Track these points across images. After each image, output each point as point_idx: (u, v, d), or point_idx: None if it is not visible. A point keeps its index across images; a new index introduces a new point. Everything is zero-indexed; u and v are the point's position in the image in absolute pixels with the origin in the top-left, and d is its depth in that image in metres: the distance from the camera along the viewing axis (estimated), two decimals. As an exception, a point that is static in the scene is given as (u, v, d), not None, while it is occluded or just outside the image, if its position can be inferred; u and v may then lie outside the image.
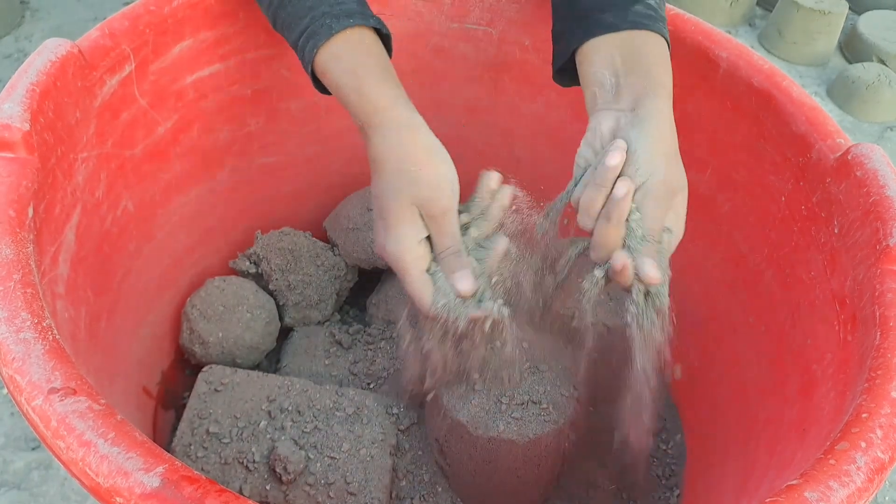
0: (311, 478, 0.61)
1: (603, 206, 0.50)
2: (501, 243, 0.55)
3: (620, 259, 0.50)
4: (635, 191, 0.50)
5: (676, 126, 0.59)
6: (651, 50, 0.55)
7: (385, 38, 0.58)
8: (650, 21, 0.55)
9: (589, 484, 0.73)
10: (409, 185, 0.52)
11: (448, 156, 0.54)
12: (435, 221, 0.52)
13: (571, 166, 0.64)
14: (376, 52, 0.56)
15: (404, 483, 0.67)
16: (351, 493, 0.61)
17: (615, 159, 0.49)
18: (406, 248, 0.52)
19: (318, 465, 0.62)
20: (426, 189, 0.52)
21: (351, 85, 0.54)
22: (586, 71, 0.56)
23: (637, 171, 0.50)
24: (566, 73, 0.60)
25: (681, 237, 0.52)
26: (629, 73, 0.53)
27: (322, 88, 0.58)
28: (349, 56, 0.55)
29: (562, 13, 0.60)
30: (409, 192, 0.52)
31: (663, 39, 0.56)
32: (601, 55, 0.55)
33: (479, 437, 0.61)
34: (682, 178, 0.52)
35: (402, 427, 0.68)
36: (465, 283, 0.52)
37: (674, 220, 0.52)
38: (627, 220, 0.50)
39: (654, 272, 0.49)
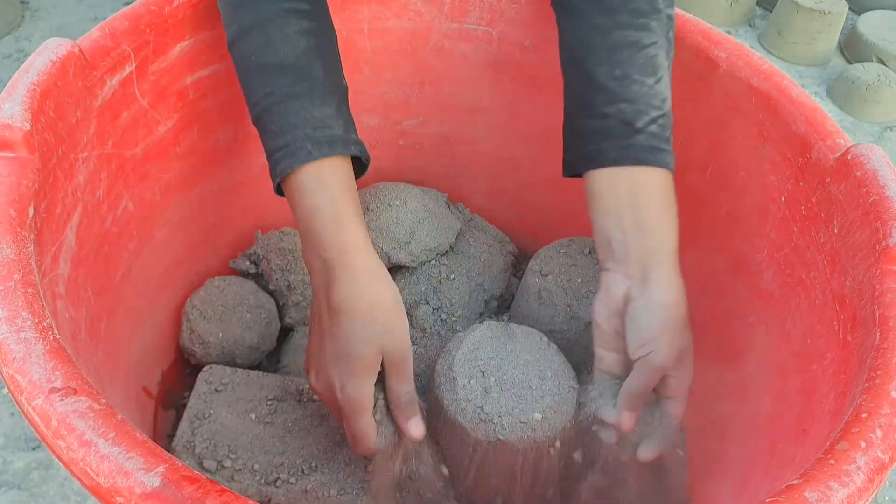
0: (311, 477, 0.61)
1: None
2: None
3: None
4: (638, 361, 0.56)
5: (676, 127, 0.59)
6: (655, 200, 0.56)
7: (363, 164, 0.59)
8: (652, 154, 0.56)
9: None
10: (380, 335, 0.53)
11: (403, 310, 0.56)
12: (396, 369, 0.55)
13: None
14: (352, 187, 0.56)
15: (405, 478, 0.67)
16: (349, 494, 0.61)
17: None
18: (368, 394, 0.54)
19: (319, 464, 0.62)
20: (397, 340, 0.54)
21: (329, 216, 0.54)
22: (594, 210, 0.59)
23: (641, 347, 0.55)
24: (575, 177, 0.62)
25: (691, 380, 0.59)
26: (636, 232, 0.56)
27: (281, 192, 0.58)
28: (328, 184, 0.54)
29: (569, 125, 0.62)
30: (379, 342, 0.53)
31: (667, 172, 0.57)
32: (605, 197, 0.57)
33: (479, 439, 0.61)
34: (687, 340, 0.57)
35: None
36: (418, 429, 0.57)
37: (685, 371, 0.58)
38: None
39: (627, 420, 0.58)
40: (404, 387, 0.55)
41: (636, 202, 0.56)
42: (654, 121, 0.57)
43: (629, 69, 0.57)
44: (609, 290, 0.58)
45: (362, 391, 0.53)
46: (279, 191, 0.58)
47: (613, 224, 0.57)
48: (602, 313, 0.59)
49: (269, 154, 0.56)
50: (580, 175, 0.60)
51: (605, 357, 0.60)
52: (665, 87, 0.58)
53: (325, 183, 0.54)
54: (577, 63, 0.60)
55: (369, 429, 0.55)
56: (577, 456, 0.62)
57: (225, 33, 0.59)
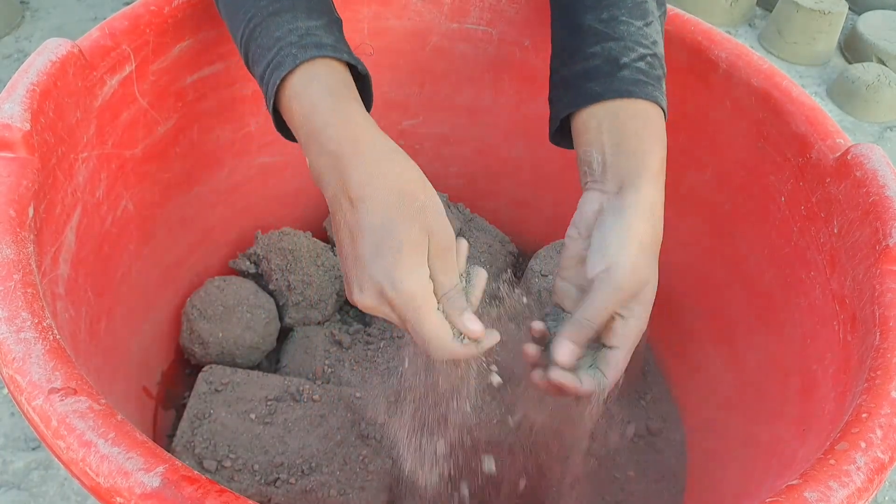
0: (311, 477, 0.61)
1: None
2: (482, 276, 0.52)
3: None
4: (595, 279, 0.50)
5: (676, 127, 0.59)
6: (639, 123, 0.53)
7: (364, 79, 0.53)
8: (638, 87, 0.53)
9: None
10: (418, 212, 0.46)
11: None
12: (440, 257, 0.47)
13: (571, 167, 0.65)
14: (350, 85, 0.51)
15: (405, 478, 0.67)
16: (349, 494, 0.61)
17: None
18: (425, 281, 0.46)
19: (319, 464, 0.62)
20: (435, 218, 0.47)
21: (328, 108, 0.48)
22: (577, 146, 0.55)
23: (601, 260, 0.50)
24: (564, 138, 0.59)
25: (643, 328, 0.52)
26: (616, 152, 0.52)
27: (284, 131, 0.53)
28: (324, 80, 0.49)
29: (553, 79, 0.59)
30: (420, 220, 0.46)
31: (655, 105, 0.54)
32: (589, 129, 0.54)
33: (479, 439, 0.61)
34: (651, 271, 0.51)
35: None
36: (475, 323, 0.48)
37: (639, 312, 0.51)
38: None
39: (563, 355, 0.50)
40: (451, 276, 0.48)
41: (618, 127, 0.52)
42: (641, 58, 0.54)
43: (616, 11, 0.55)
44: (581, 207, 0.53)
45: (418, 279, 0.46)
46: (278, 122, 0.53)
47: (594, 148, 0.53)
48: (571, 235, 0.54)
49: (259, 79, 0.52)
50: (567, 124, 0.56)
51: (562, 288, 0.54)
52: (655, 32, 0.56)
53: (319, 78, 0.49)
54: (565, 10, 0.58)
55: (441, 324, 0.47)
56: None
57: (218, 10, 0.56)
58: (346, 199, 0.47)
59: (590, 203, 0.53)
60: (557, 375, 0.51)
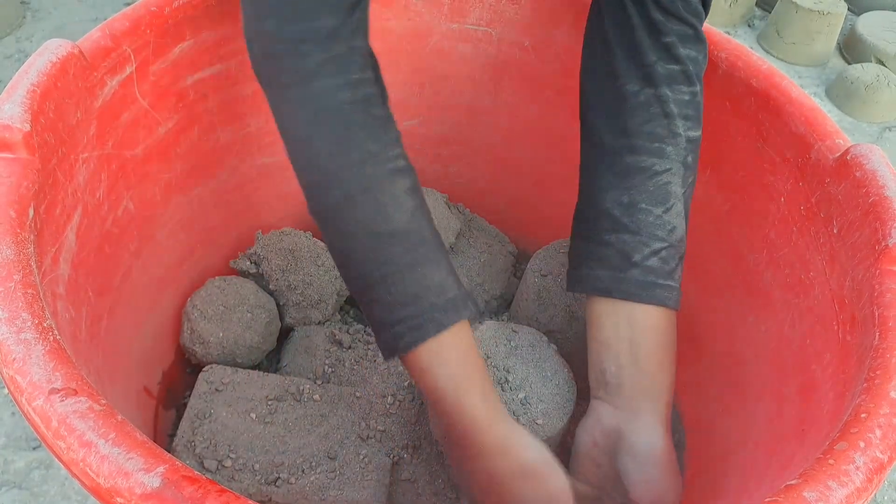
0: (311, 477, 0.61)
1: None
2: None
3: None
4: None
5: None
6: (653, 338, 0.55)
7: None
8: (646, 290, 0.55)
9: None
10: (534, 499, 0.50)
11: (559, 466, 0.52)
12: None
13: (571, 167, 0.65)
14: (474, 354, 0.54)
15: (406, 475, 0.67)
16: (349, 493, 0.61)
17: None
18: None
19: (319, 464, 0.62)
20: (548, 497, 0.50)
21: (451, 395, 0.51)
22: (590, 339, 0.58)
23: (648, 492, 0.53)
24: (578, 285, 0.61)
25: None
26: (631, 368, 0.55)
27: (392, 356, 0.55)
28: (453, 359, 0.52)
29: (574, 232, 0.61)
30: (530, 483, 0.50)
31: (663, 309, 0.55)
32: (603, 329, 0.56)
33: (479, 437, 0.61)
34: (675, 482, 0.54)
35: (401, 421, 0.69)
36: None
37: None
38: None
39: None
40: None
41: (633, 339, 0.55)
42: (655, 253, 0.55)
43: (637, 196, 0.55)
44: (600, 419, 0.57)
45: None
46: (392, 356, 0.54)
47: (609, 356, 0.56)
48: (585, 441, 0.57)
49: (387, 325, 0.52)
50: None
51: (580, 490, 0.55)
52: (675, 217, 0.56)
53: (454, 354, 0.52)
54: (588, 180, 0.59)
55: None
56: None
57: (305, 187, 0.54)
58: (478, 482, 0.52)
59: (606, 417, 0.56)
60: None
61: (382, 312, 0.52)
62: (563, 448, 0.68)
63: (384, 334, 0.52)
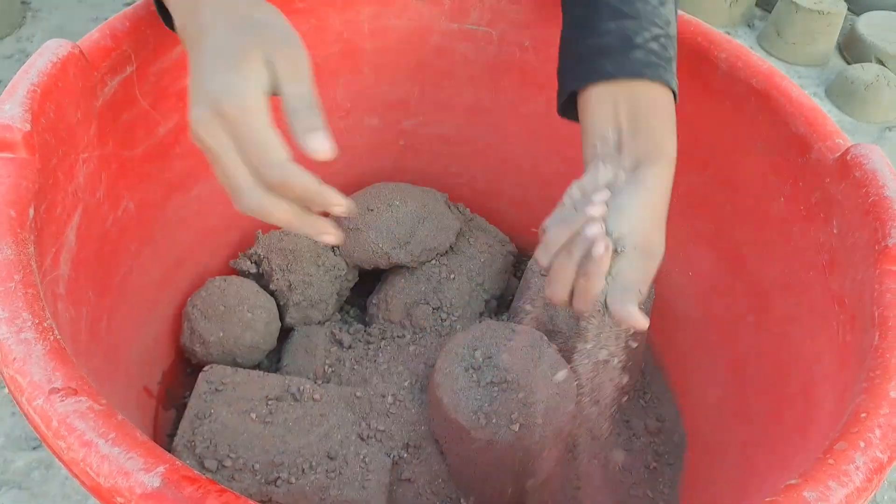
0: (312, 477, 0.61)
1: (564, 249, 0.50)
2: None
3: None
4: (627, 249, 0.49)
5: (677, 127, 0.59)
6: (653, 105, 0.53)
7: None
8: (651, 69, 0.53)
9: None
10: (257, 26, 0.43)
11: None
12: (285, 62, 0.42)
13: (570, 167, 0.65)
14: None
15: (406, 475, 0.67)
16: (349, 493, 0.61)
17: (597, 211, 0.49)
18: (262, 91, 0.42)
19: (319, 463, 0.62)
20: (276, 28, 0.44)
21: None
22: (587, 121, 0.55)
23: (618, 227, 0.49)
24: (570, 110, 0.59)
25: (643, 298, 0.52)
26: (632, 132, 0.53)
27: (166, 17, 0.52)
28: None
29: (564, 52, 0.59)
30: (252, 32, 0.43)
31: (667, 89, 0.54)
32: (602, 106, 0.54)
33: (479, 440, 0.61)
34: (661, 246, 0.51)
35: (401, 421, 0.69)
36: (320, 142, 0.41)
37: (642, 283, 0.50)
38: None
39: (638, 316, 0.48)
40: (299, 86, 0.43)
41: (636, 111, 0.53)
42: (655, 38, 0.54)
43: None
44: (594, 175, 0.52)
45: (255, 84, 0.42)
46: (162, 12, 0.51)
47: (608, 128, 0.53)
48: (574, 195, 0.53)
49: None
50: (574, 98, 0.56)
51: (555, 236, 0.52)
52: (669, 12, 0.56)
53: None
54: None
55: (275, 141, 0.41)
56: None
57: None
58: (195, 35, 0.45)
59: (605, 172, 0.52)
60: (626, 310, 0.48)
61: None
62: (564, 448, 0.68)
63: None
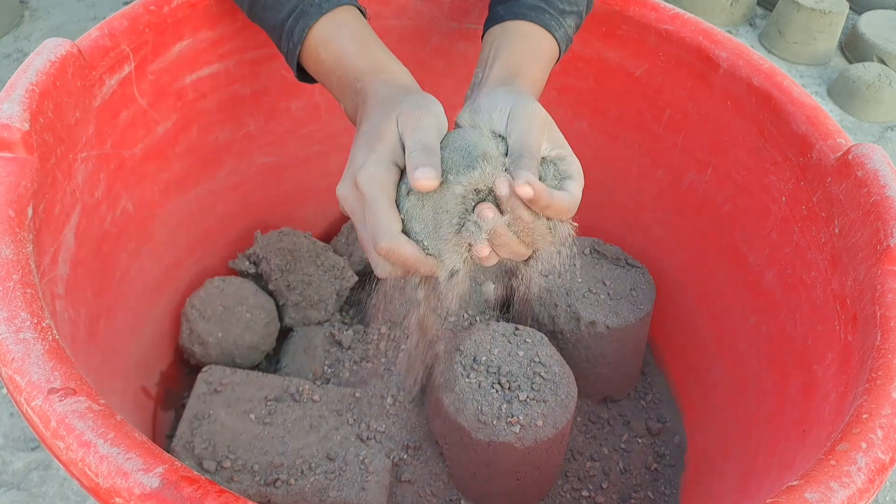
0: (311, 478, 0.61)
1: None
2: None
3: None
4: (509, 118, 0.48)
5: (676, 127, 0.59)
6: (519, 42, 0.57)
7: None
8: (535, 12, 0.58)
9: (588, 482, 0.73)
10: (397, 104, 0.47)
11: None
12: (411, 123, 0.46)
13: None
14: (367, 26, 0.56)
15: (406, 476, 0.67)
16: (349, 494, 0.61)
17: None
18: (382, 171, 0.44)
19: (318, 465, 0.62)
20: (411, 101, 0.47)
21: (354, 49, 0.53)
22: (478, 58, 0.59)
23: (505, 105, 0.48)
24: None
25: (579, 164, 0.48)
26: (493, 64, 0.56)
27: (304, 75, 0.57)
28: (349, 25, 0.54)
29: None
30: (394, 109, 0.47)
31: (545, 32, 0.58)
32: (484, 47, 0.58)
33: (479, 441, 0.61)
34: (537, 109, 0.48)
35: (401, 422, 0.68)
36: (425, 173, 0.42)
37: (561, 144, 0.48)
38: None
39: (526, 187, 0.43)
40: (416, 135, 0.45)
41: (501, 44, 0.57)
42: None
43: None
44: (461, 116, 0.53)
45: (383, 165, 0.44)
46: (300, 70, 0.56)
47: (479, 67, 0.57)
48: (465, 119, 0.52)
49: (281, 27, 0.55)
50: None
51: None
52: None
53: (345, 25, 0.54)
54: None
55: (389, 215, 0.44)
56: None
57: None
58: (359, 121, 0.50)
59: (467, 112, 0.52)
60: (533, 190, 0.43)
61: (273, 15, 0.56)
62: (564, 448, 0.68)
63: (283, 39, 0.55)
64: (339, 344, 0.77)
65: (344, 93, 0.54)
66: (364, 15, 0.57)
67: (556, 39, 0.58)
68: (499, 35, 0.58)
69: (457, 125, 0.52)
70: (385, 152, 0.45)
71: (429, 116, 0.47)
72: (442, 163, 0.45)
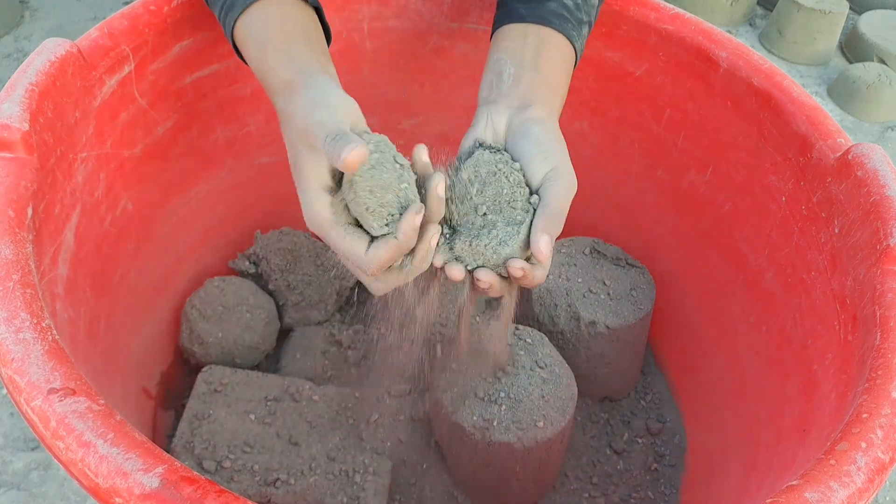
0: (311, 478, 0.61)
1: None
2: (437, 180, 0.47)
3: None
4: (546, 178, 0.49)
5: (676, 127, 0.59)
6: (552, 53, 0.56)
7: (317, 12, 0.56)
8: (559, 21, 0.57)
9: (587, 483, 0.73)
10: (296, 136, 0.46)
11: (339, 98, 0.48)
12: (315, 136, 0.45)
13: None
14: (288, 22, 0.52)
15: (406, 476, 0.67)
16: (349, 495, 0.61)
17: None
18: (321, 205, 0.45)
19: (318, 465, 0.62)
20: (303, 125, 0.46)
21: (256, 60, 0.52)
22: (492, 56, 0.57)
23: (545, 161, 0.50)
24: None
25: (571, 174, 0.51)
26: (534, 69, 0.55)
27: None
28: (259, 29, 0.52)
29: (497, 4, 0.62)
30: (295, 141, 0.46)
31: (569, 43, 0.57)
32: (510, 42, 0.57)
33: (479, 441, 0.61)
34: (575, 179, 0.51)
35: (401, 422, 0.68)
36: (350, 148, 0.41)
37: (553, 154, 0.50)
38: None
39: (545, 248, 0.46)
40: (321, 135, 0.44)
41: (539, 49, 0.55)
42: None
43: None
44: (490, 117, 0.53)
45: (313, 202, 0.45)
46: (239, 54, 0.55)
47: (511, 61, 0.55)
48: (468, 146, 0.54)
49: (220, 20, 0.54)
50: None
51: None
52: None
53: (262, 24, 0.52)
54: None
55: (347, 240, 0.44)
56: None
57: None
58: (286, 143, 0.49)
59: (498, 117, 0.53)
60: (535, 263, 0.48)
61: (213, 7, 0.55)
62: (564, 449, 0.68)
63: (225, 29, 0.54)
64: (340, 344, 0.77)
65: (267, 90, 0.52)
66: (311, 3, 0.54)
67: (576, 50, 0.58)
68: (532, 37, 0.56)
69: (479, 143, 0.54)
70: (310, 187, 0.46)
71: (320, 121, 0.45)
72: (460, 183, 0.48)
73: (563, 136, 0.52)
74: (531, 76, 0.54)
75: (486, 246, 0.47)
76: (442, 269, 0.49)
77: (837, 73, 1.55)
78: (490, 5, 0.76)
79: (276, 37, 0.51)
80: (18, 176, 0.45)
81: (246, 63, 0.55)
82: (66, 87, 0.52)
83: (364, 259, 0.44)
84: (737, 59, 0.65)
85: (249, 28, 0.52)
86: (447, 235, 0.49)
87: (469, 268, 0.49)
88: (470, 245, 0.48)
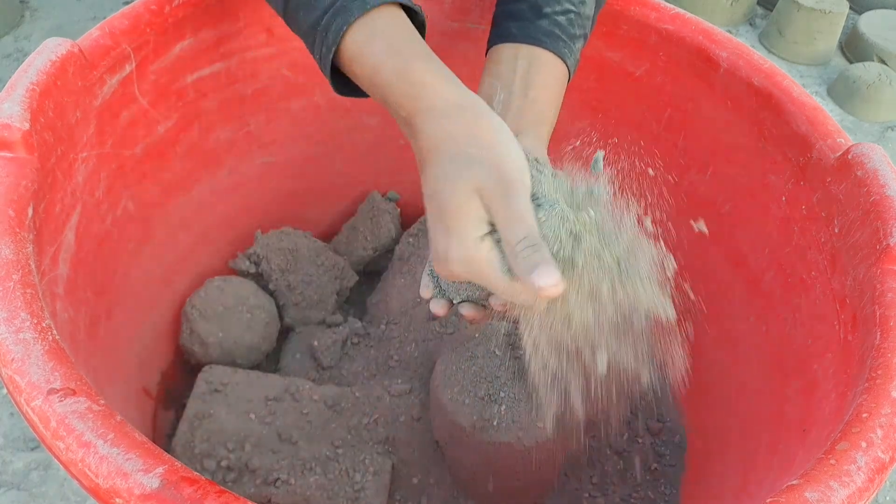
0: (311, 478, 0.61)
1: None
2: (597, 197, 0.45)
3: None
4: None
5: (676, 127, 0.59)
6: (543, 75, 0.56)
7: (419, 26, 0.52)
8: (551, 39, 0.56)
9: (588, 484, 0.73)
10: (467, 168, 0.42)
11: (515, 139, 0.45)
12: (502, 206, 0.41)
13: (567, 166, 0.64)
14: (413, 31, 0.49)
15: (406, 476, 0.67)
16: (349, 494, 0.61)
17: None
18: (478, 248, 0.42)
19: (318, 464, 0.62)
20: (493, 165, 0.42)
21: (391, 66, 0.46)
22: (484, 79, 0.57)
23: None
24: None
25: None
26: (524, 96, 0.55)
27: (340, 87, 0.51)
28: (387, 33, 0.47)
29: (492, 20, 0.62)
30: (468, 177, 0.42)
31: (561, 62, 0.56)
32: (500, 66, 0.56)
33: (479, 441, 0.61)
34: None
35: (401, 423, 0.68)
36: (548, 277, 0.39)
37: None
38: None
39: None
40: (515, 228, 0.41)
41: (529, 73, 0.55)
42: (565, 13, 0.57)
43: None
44: None
45: (468, 247, 0.41)
46: (335, 80, 0.50)
47: (501, 85, 0.55)
48: None
49: (315, 28, 0.48)
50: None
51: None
52: (589, 0, 0.59)
53: (388, 29, 0.47)
54: None
55: (513, 286, 0.41)
56: None
57: None
58: (419, 163, 0.46)
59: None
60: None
61: (308, 14, 0.49)
62: (564, 451, 0.68)
63: (317, 38, 0.48)
64: (340, 344, 0.77)
65: (390, 113, 0.49)
66: (417, 14, 0.50)
67: (568, 68, 0.57)
68: (524, 60, 0.55)
69: None
70: (469, 228, 0.42)
71: (520, 190, 0.42)
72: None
73: (547, 160, 0.51)
74: (520, 104, 0.54)
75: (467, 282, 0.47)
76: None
77: (837, 72, 1.55)
78: (491, 5, 0.76)
79: (417, 49, 0.48)
80: (19, 175, 0.45)
81: (327, 70, 0.49)
82: (66, 87, 0.52)
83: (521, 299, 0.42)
84: (737, 59, 0.65)
85: (372, 33, 0.47)
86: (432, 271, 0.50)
87: (455, 301, 0.50)
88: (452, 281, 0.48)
